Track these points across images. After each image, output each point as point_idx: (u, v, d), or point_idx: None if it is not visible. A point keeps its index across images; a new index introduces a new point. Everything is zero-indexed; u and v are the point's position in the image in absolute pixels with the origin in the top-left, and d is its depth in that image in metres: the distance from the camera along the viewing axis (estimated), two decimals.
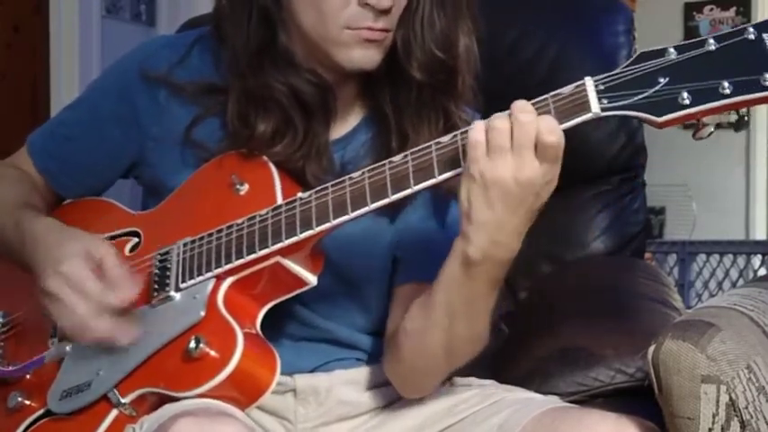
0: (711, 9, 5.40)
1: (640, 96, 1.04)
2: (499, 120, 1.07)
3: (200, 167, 1.31)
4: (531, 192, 1.07)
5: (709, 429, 1.13)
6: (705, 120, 1.05)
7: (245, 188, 1.26)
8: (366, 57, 1.24)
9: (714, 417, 1.13)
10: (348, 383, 1.34)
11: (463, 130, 1.12)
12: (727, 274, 4.28)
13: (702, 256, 4.32)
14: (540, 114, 1.06)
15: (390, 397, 1.35)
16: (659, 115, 1.04)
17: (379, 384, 1.35)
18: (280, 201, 1.22)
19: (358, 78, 1.31)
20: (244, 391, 1.18)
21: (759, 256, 4.27)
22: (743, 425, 1.12)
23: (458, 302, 1.17)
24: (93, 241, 1.23)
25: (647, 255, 3.61)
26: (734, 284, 4.17)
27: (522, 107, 1.06)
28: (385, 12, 1.21)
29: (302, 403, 1.32)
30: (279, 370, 1.20)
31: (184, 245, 1.25)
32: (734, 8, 5.36)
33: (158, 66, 1.34)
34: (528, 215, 1.09)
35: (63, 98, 3.18)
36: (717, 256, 4.28)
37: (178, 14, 3.53)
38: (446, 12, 1.26)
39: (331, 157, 1.30)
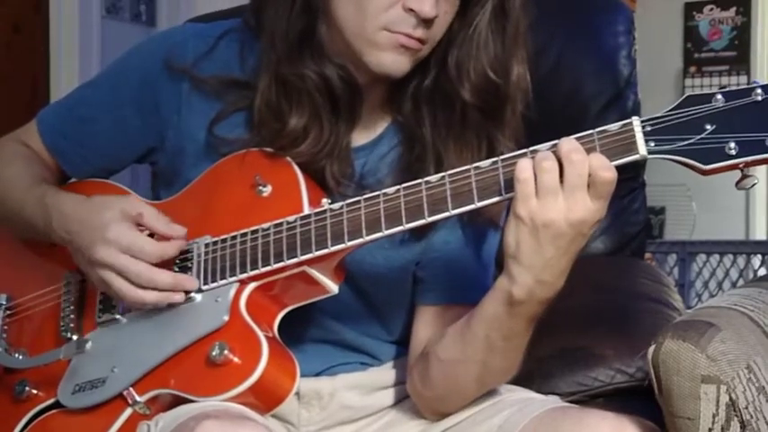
0: (711, 9, 5.40)
1: (687, 142, 1.05)
2: (546, 160, 1.06)
3: (221, 161, 1.29)
4: (581, 232, 1.07)
5: (710, 429, 1.13)
6: (747, 170, 1.06)
7: (268, 190, 1.24)
8: (396, 62, 1.22)
9: (714, 417, 1.13)
10: (351, 388, 1.34)
11: (504, 157, 1.11)
12: (727, 274, 4.28)
13: (702, 256, 4.32)
14: (586, 151, 1.06)
15: (392, 400, 1.35)
16: (705, 163, 1.05)
17: (381, 388, 1.35)
18: (306, 207, 1.21)
19: (385, 87, 1.30)
20: (264, 399, 1.17)
21: (759, 256, 4.27)
22: (743, 425, 1.12)
23: (497, 339, 1.17)
24: (125, 201, 1.24)
25: (647, 255, 3.60)
26: (734, 284, 4.17)
27: (573, 147, 1.06)
28: (426, 22, 1.19)
29: (306, 407, 1.32)
30: (299, 377, 1.19)
31: (206, 245, 1.24)
32: (734, 8, 5.36)
33: (184, 56, 1.32)
34: (575, 254, 1.09)
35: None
36: (717, 256, 4.29)
37: (178, 14, 3.53)
38: (503, 37, 1.24)
39: (352, 161, 1.29)
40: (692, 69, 5.36)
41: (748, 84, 1.06)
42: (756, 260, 4.28)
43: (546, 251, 1.07)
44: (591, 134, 1.08)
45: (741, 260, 4.26)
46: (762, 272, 4.18)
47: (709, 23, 5.40)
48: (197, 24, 1.41)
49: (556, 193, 1.05)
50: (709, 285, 4.32)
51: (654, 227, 5.21)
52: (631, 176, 1.86)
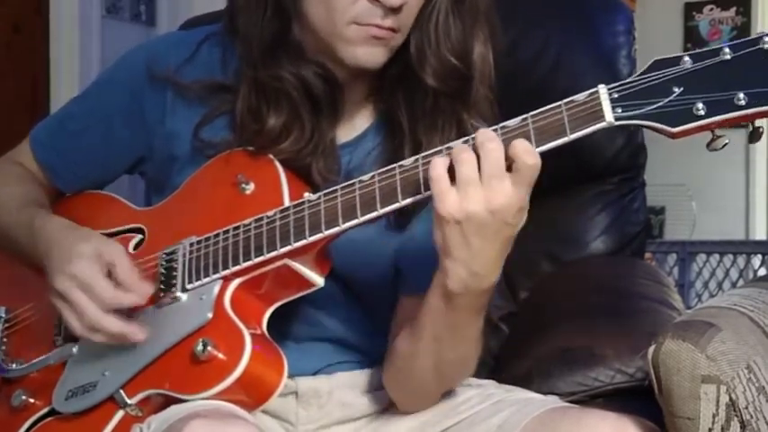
0: (711, 9, 5.40)
1: (655, 106, 1.03)
2: (463, 152, 1.06)
3: (206, 164, 1.30)
4: (504, 220, 1.06)
5: (710, 429, 1.13)
6: (719, 131, 1.04)
7: (250, 187, 1.25)
8: (371, 55, 1.23)
9: (714, 417, 1.13)
10: (349, 386, 1.34)
11: (424, 154, 1.11)
12: (727, 274, 4.28)
13: (702, 256, 4.32)
14: (515, 137, 1.05)
15: (390, 399, 1.34)
16: (673, 126, 1.03)
17: (379, 387, 1.35)
18: (287, 201, 1.21)
19: (368, 81, 1.30)
20: (252, 394, 1.18)
21: (759, 256, 4.27)
22: (743, 425, 1.12)
23: (442, 330, 1.17)
24: (105, 243, 1.24)
25: (647, 255, 3.61)
26: (734, 284, 4.17)
27: (487, 137, 1.05)
28: (394, 11, 1.20)
29: (303, 406, 1.32)
30: (286, 372, 1.19)
31: (190, 245, 1.24)
32: (734, 8, 5.36)
33: (166, 64, 1.33)
34: (505, 244, 1.08)
35: (63, 98, 3.18)
36: (717, 256, 4.29)
37: (178, 14, 3.52)
38: (462, 19, 1.25)
39: (338, 157, 1.29)
40: None
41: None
42: (756, 260, 4.28)
43: (472, 243, 1.06)
44: (559, 105, 1.07)
45: (741, 260, 4.26)
46: (762, 272, 4.18)
47: (710, 23, 5.40)
48: (179, 32, 1.43)
49: (476, 184, 1.05)
50: (709, 285, 4.32)
51: (654, 227, 5.21)
52: (631, 176, 1.86)
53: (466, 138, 1.09)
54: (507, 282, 1.79)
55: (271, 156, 1.26)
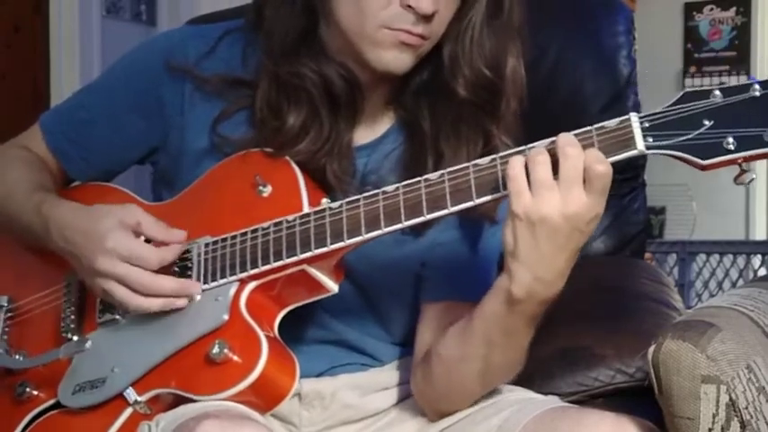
0: (711, 9, 5.40)
1: (685, 138, 1.05)
2: (539, 154, 1.06)
3: (222, 162, 1.30)
4: (577, 227, 1.06)
5: (710, 429, 1.13)
6: (746, 166, 1.06)
7: (268, 190, 1.25)
8: (398, 60, 1.22)
9: (714, 417, 1.13)
10: (352, 388, 1.34)
11: (503, 154, 1.11)
12: (727, 274, 4.28)
13: (702, 256, 4.32)
14: (583, 147, 1.06)
15: (393, 400, 1.35)
16: (703, 158, 1.05)
17: (382, 388, 1.35)
18: (306, 206, 1.21)
19: (389, 85, 1.30)
20: (264, 398, 1.18)
21: (759, 256, 4.28)
22: (743, 425, 1.12)
23: (496, 336, 1.16)
24: (123, 209, 1.24)
25: (647, 255, 3.61)
26: (734, 284, 4.17)
27: (568, 141, 1.06)
28: (426, 18, 1.19)
29: (307, 407, 1.32)
30: (298, 376, 1.19)
31: (206, 245, 1.24)
32: (734, 8, 5.36)
33: (185, 57, 1.32)
34: (573, 252, 1.09)
35: (63, 98, 3.17)
36: (717, 256, 4.28)
37: (178, 14, 3.53)
38: (497, 33, 1.25)
39: (353, 159, 1.29)
40: (692, 69, 5.36)
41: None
42: (756, 260, 4.28)
43: (543, 247, 1.07)
44: (589, 130, 1.08)
45: (741, 260, 4.26)
46: (762, 272, 4.18)
47: (710, 23, 5.41)
48: (196, 26, 1.42)
49: (550, 187, 1.05)
50: (709, 285, 4.32)
51: (654, 227, 5.21)
52: (631, 176, 1.86)
53: (545, 140, 1.08)
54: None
55: (288, 158, 1.25)
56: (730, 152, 1.04)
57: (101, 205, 1.27)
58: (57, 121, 1.42)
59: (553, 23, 1.87)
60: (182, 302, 1.21)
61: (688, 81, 5.33)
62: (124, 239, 1.20)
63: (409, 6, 1.19)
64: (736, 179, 1.07)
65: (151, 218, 1.23)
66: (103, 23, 3.52)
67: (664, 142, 1.06)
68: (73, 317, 1.31)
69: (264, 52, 1.28)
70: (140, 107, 1.34)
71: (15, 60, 3.36)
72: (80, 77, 3.35)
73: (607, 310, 1.62)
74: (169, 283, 1.21)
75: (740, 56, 5.31)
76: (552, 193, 1.05)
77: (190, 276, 1.23)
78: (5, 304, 1.37)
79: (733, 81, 5.16)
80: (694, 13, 5.42)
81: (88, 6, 3.44)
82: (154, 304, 1.20)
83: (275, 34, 1.26)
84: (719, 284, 4.28)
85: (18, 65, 3.37)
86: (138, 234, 1.22)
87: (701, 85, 5.64)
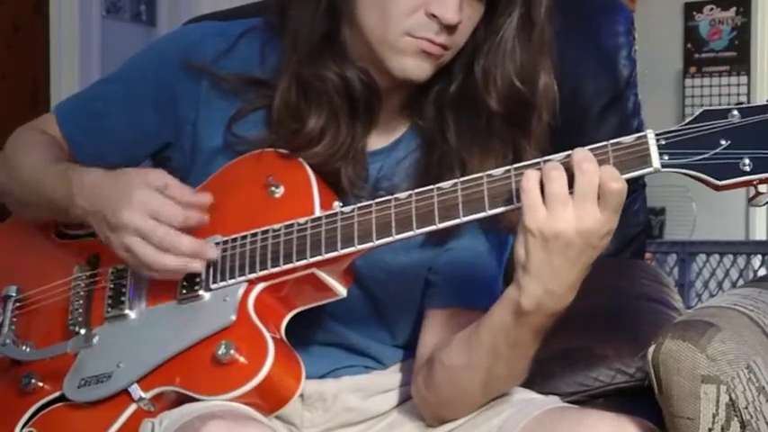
0: (711, 9, 5.40)
1: (701, 157, 1.05)
2: (554, 169, 1.05)
3: (235, 160, 1.30)
4: (590, 243, 1.06)
5: (710, 429, 1.13)
6: (762, 188, 1.05)
7: (280, 191, 1.24)
8: (419, 68, 1.22)
9: (714, 417, 1.13)
10: (354, 390, 1.34)
11: (517, 165, 1.11)
12: (727, 274, 4.28)
13: (702, 257, 4.32)
14: (598, 162, 1.05)
15: (395, 403, 1.35)
16: (719, 179, 1.04)
17: (384, 391, 1.35)
18: (317, 209, 1.21)
19: (405, 92, 1.30)
20: (269, 399, 1.18)
21: (759, 256, 4.28)
22: (743, 425, 1.12)
23: (502, 347, 1.16)
24: (151, 172, 1.24)
25: (648, 255, 3.61)
26: (734, 284, 4.17)
27: (585, 156, 1.05)
28: (449, 28, 1.20)
29: (309, 409, 1.32)
30: (304, 378, 1.19)
31: (216, 244, 1.24)
32: (734, 8, 5.36)
33: (203, 54, 1.32)
34: (585, 267, 1.08)
35: (63, 98, 3.18)
36: (717, 257, 4.29)
37: (178, 14, 3.53)
38: (529, 47, 1.25)
39: (367, 164, 1.29)
40: (692, 69, 5.36)
41: (748, 83, 1.06)
42: (756, 260, 4.28)
43: (555, 261, 1.06)
44: (605, 145, 1.07)
45: (741, 260, 4.26)
46: (762, 272, 4.18)
47: (710, 23, 5.41)
48: (215, 23, 1.42)
49: (564, 202, 1.04)
50: (709, 285, 4.32)
51: (654, 227, 5.21)
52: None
53: (561, 154, 1.08)
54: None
55: (301, 160, 1.25)
56: (746, 173, 1.03)
57: (127, 169, 1.27)
58: (72, 111, 1.42)
59: (553, 23, 1.87)
60: (198, 265, 1.21)
61: (688, 81, 5.32)
62: (151, 195, 1.20)
63: (434, 16, 1.19)
64: (750, 201, 1.07)
65: (177, 182, 1.23)
66: (103, 23, 3.52)
67: (679, 161, 1.05)
68: (81, 310, 1.31)
69: (286, 52, 1.28)
70: (155, 100, 1.34)
71: (15, 60, 3.37)
72: (80, 77, 3.35)
73: (607, 311, 1.62)
74: (189, 241, 1.20)
75: (740, 56, 5.31)
76: (566, 208, 1.04)
77: (199, 275, 1.23)
78: (14, 294, 1.37)
79: (733, 81, 5.18)
80: (694, 13, 5.43)
81: (88, 6, 3.45)
82: (172, 262, 1.20)
83: (298, 35, 1.26)
84: (719, 284, 4.28)
85: (18, 65, 3.38)
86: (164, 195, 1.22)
87: (701, 85, 5.65)
